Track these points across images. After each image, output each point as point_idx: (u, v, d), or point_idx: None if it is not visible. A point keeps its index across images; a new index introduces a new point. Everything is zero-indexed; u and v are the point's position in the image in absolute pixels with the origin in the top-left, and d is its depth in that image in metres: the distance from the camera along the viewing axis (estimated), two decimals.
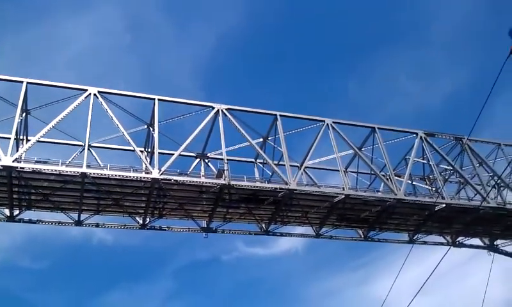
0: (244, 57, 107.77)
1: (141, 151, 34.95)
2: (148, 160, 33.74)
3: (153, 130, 32.76)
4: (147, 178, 30.01)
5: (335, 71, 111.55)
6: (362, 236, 38.56)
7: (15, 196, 30.57)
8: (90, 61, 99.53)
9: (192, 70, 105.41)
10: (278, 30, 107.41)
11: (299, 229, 37.91)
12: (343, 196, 33.34)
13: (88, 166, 29.74)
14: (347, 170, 39.23)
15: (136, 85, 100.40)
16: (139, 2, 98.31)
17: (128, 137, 31.62)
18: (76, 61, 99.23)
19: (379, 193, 35.79)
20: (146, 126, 34.54)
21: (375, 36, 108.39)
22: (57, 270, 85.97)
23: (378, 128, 36.78)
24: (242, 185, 31.52)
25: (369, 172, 38.36)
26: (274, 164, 34.91)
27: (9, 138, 29.53)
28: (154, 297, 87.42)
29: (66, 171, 29.01)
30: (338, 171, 35.16)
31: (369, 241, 38.83)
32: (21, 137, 32.69)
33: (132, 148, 31.89)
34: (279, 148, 35.03)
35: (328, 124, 35.48)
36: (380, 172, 36.05)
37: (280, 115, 35.21)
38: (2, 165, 27.84)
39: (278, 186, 31.95)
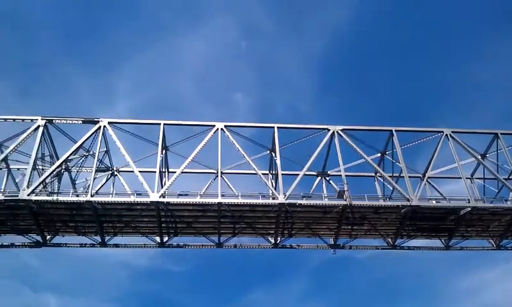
0: (355, 53, 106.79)
1: (266, 174, 38.23)
2: (273, 183, 36.79)
3: (275, 156, 35.54)
4: (274, 203, 32.84)
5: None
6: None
7: (163, 225, 35.30)
8: (210, 72, 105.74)
9: (307, 68, 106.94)
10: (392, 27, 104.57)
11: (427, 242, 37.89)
12: (469, 209, 33.17)
13: (223, 195, 33.36)
14: (473, 177, 38.56)
15: (255, 90, 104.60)
16: (250, 9, 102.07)
17: (253, 165, 34.86)
18: (197, 74, 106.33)
19: (509, 202, 34.77)
20: (268, 152, 37.52)
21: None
22: (199, 272, 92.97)
23: (501, 134, 35.71)
24: (363, 204, 32.95)
25: (494, 178, 37.07)
26: (395, 177, 35.98)
27: (154, 172, 34.49)
28: (291, 296, 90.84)
29: (205, 202, 32.96)
30: (461, 178, 35.08)
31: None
32: (163, 170, 37.57)
33: (256, 172, 34.92)
34: (397, 163, 35.73)
35: (446, 134, 35.42)
36: (507, 179, 35.09)
37: (396, 130, 35.93)
38: (151, 201, 32.61)
39: (400, 204, 32.84)
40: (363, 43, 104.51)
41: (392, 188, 35.60)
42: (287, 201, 32.61)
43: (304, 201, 33.24)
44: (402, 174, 35.09)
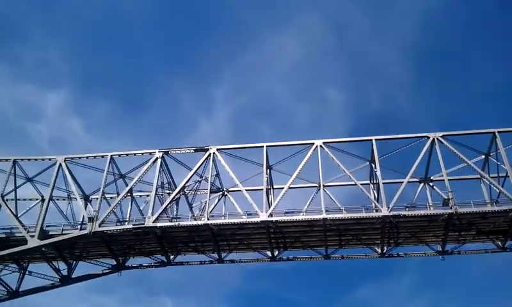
0: (451, 38, 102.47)
1: (367, 184, 39.47)
2: (375, 193, 37.92)
3: (375, 167, 36.62)
4: (378, 216, 34.00)
5: None
6: None
7: (273, 241, 37.86)
8: (301, 70, 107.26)
9: (401, 57, 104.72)
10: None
11: None
12: None
13: (327, 210, 35.12)
14: None
15: (349, 84, 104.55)
16: (336, 1, 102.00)
17: (353, 178, 36.28)
18: (288, 73, 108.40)
19: None
20: (368, 163, 38.64)
21: None
22: (307, 268, 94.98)
23: None
24: (469, 211, 33.02)
25: None
26: (501, 178, 35.55)
27: (261, 189, 37.37)
28: (398, 292, 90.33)
29: (311, 219, 34.97)
30: None
31: None
32: (268, 187, 40.11)
33: (355, 183, 36.30)
34: (502, 165, 35.20)
35: None
36: None
37: (498, 132, 35.43)
38: (261, 221, 35.28)
39: (507, 208, 32.51)
40: (463, 26, 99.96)
41: (498, 191, 35.14)
42: (391, 213, 33.59)
43: (408, 212, 33.99)
44: (508, 176, 34.57)
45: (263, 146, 38.81)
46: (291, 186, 37.73)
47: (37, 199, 43.34)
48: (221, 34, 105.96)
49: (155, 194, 37.82)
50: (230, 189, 41.98)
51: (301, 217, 35.30)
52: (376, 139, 37.30)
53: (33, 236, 36.22)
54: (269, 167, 39.58)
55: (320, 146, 37.48)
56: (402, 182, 34.91)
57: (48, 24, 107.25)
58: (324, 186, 37.43)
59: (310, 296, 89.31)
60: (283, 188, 36.95)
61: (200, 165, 38.57)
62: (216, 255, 39.01)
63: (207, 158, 38.63)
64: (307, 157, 37.25)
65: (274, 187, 40.95)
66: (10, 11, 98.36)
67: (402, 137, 37.44)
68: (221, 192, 42.23)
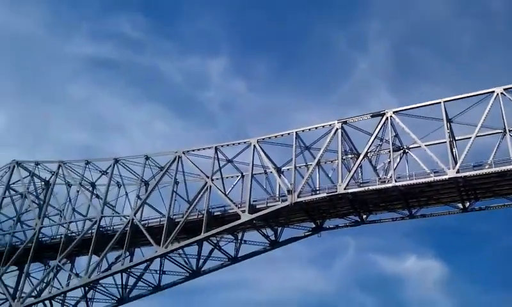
0: None
1: None
2: None
3: None
4: None
5: None
6: None
7: (463, 193, 38.81)
8: None
9: None
10: None
11: None
12: None
13: None
14: None
15: None
16: None
17: None
18: None
19: None
20: None
21: None
22: None
23: None
24: None
25: None
26: None
27: (443, 142, 38.45)
28: None
29: (501, 170, 35.14)
30: None
31: None
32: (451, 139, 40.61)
33: None
34: None
35: None
36: None
37: None
38: (449, 178, 36.45)
39: None
40: None
41: None
42: None
43: None
44: None
45: (440, 102, 39.31)
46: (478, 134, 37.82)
47: (237, 176, 50.11)
48: None
49: (342, 161, 41.30)
50: (411, 146, 43.31)
51: (491, 170, 35.60)
52: None
53: (244, 211, 42.52)
54: (448, 120, 39.98)
55: (501, 93, 36.87)
56: None
57: None
58: (510, 131, 37.12)
59: None
60: (465, 139, 37.68)
61: (380, 130, 40.81)
62: (406, 211, 41.37)
63: (384, 122, 40.61)
64: (488, 106, 37.03)
65: (457, 138, 41.24)
66: None
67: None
68: (402, 151, 43.82)
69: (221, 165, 47.28)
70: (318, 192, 41.74)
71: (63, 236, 49.63)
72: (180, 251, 45.68)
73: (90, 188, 54.22)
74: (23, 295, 49.76)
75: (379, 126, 40.93)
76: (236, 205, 43.78)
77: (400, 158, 43.67)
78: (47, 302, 48.00)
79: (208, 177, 45.94)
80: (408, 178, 39.10)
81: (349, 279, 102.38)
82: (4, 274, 50.53)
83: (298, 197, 40.86)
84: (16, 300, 48.22)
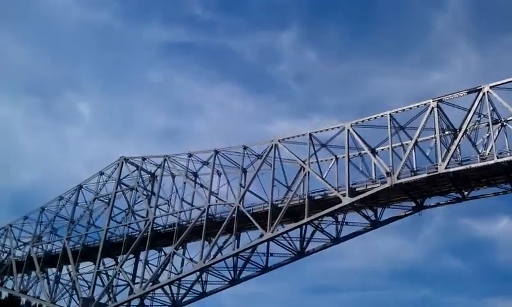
0: None
1: None
2: None
3: None
4: None
5: None
6: None
7: None
8: None
9: None
10: None
11: None
12: None
13: None
14: None
15: None
16: None
17: None
18: None
19: None
20: None
21: None
22: None
23: None
24: None
25: None
26: None
27: None
28: None
29: None
30: None
31: None
32: None
33: None
34: None
35: None
36: None
37: None
38: None
39: None
40: None
41: None
42: None
43: None
44: None
45: None
46: None
47: (331, 159, 52.02)
48: None
49: (440, 139, 41.93)
50: (509, 119, 42.91)
51: None
52: None
53: (344, 194, 44.50)
54: None
55: None
56: None
57: None
58: None
59: None
60: None
61: (477, 106, 40.96)
62: (509, 185, 41.43)
63: (481, 98, 40.66)
64: None
65: None
66: None
67: None
68: (500, 124, 43.50)
69: (316, 150, 49.37)
70: (417, 172, 42.68)
71: (175, 224, 54.13)
72: (285, 234, 48.61)
73: (193, 178, 58.43)
74: (138, 280, 55.41)
75: (477, 102, 41.06)
76: (336, 189, 45.83)
77: (499, 132, 43.45)
78: (166, 286, 52.97)
79: (304, 163, 48.32)
80: (508, 153, 39.19)
81: (439, 245, 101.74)
82: (124, 262, 56.14)
83: (398, 178, 42.17)
84: (138, 285, 53.53)
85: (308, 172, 47.84)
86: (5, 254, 70.75)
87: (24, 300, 64.74)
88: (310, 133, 49.41)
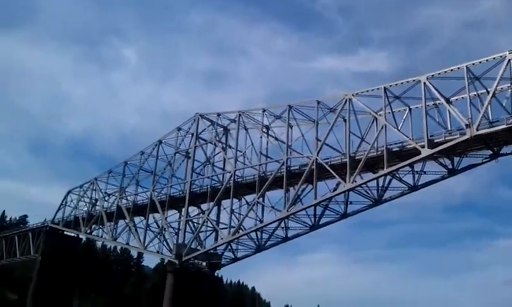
0: None
1: None
2: None
3: None
4: None
5: None
6: None
7: None
8: None
9: None
10: None
11: None
12: None
13: None
14: None
15: None
16: None
17: None
18: None
19: None
20: None
21: None
22: None
23: None
24: None
25: None
26: None
27: None
28: None
29: None
30: None
31: None
32: None
33: None
34: None
35: None
36: None
37: None
38: None
39: None
40: None
41: None
42: None
43: None
44: None
45: None
46: None
47: (404, 110, 54.13)
48: None
49: None
50: None
51: None
52: None
53: (423, 146, 46.90)
54: None
55: None
56: None
57: None
58: None
59: None
60: None
61: None
62: None
63: None
64: None
65: None
66: None
67: None
68: None
69: (390, 102, 51.53)
70: (495, 123, 44.50)
71: (256, 176, 58.24)
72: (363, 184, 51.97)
73: (266, 131, 61.86)
74: (221, 226, 60.69)
75: None
76: (414, 141, 48.29)
77: None
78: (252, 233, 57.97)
79: (379, 114, 50.76)
80: None
81: (493, 176, 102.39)
82: (211, 210, 61.27)
83: (477, 129, 44.21)
84: (225, 231, 58.66)
85: (385, 124, 50.17)
86: (92, 206, 77.29)
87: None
88: (384, 87, 51.41)
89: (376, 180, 52.52)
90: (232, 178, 59.57)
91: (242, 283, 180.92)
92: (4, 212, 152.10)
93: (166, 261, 68.33)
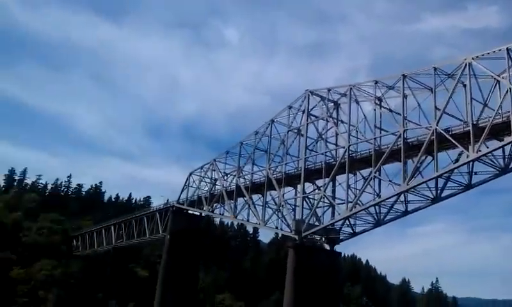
0: None
1: None
2: None
3: None
4: None
5: None
6: None
7: None
8: None
9: None
10: None
11: None
12: None
13: None
14: None
15: None
16: None
17: None
18: None
19: None
20: None
21: None
22: None
23: None
24: None
25: None
26: None
27: None
28: None
29: None
30: None
31: None
32: None
33: None
34: None
35: None
36: None
37: None
38: None
39: None
40: None
41: None
42: None
43: None
44: None
45: None
46: None
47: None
48: None
49: None
50: None
51: None
52: None
53: None
54: None
55: None
56: None
57: None
58: None
59: None
60: None
61: None
62: None
63: None
64: None
65: None
66: None
67: None
68: None
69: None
70: None
71: (371, 150, 57.61)
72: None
73: (378, 103, 60.55)
74: (337, 201, 61.14)
75: None
76: None
77: None
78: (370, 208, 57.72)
79: (501, 77, 47.54)
80: None
81: None
82: (327, 186, 62.01)
83: None
84: (343, 206, 59.04)
85: (510, 87, 46.84)
86: (212, 186, 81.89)
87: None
88: (507, 48, 47.87)
89: (501, 148, 49.45)
90: (347, 153, 59.47)
91: (356, 256, 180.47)
92: (130, 194, 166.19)
93: (279, 236, 70.51)
